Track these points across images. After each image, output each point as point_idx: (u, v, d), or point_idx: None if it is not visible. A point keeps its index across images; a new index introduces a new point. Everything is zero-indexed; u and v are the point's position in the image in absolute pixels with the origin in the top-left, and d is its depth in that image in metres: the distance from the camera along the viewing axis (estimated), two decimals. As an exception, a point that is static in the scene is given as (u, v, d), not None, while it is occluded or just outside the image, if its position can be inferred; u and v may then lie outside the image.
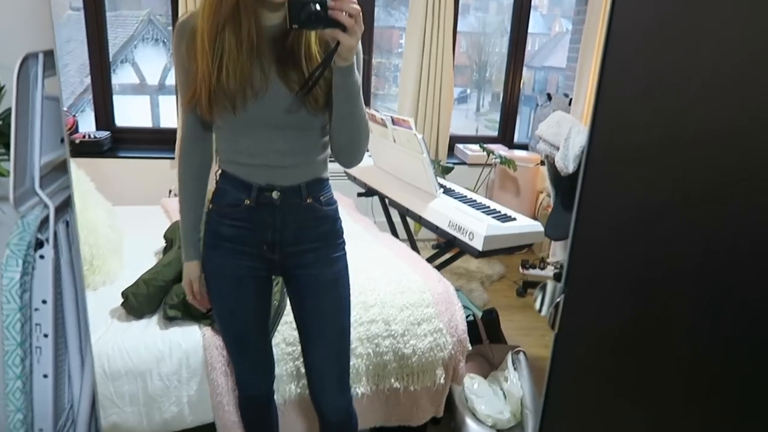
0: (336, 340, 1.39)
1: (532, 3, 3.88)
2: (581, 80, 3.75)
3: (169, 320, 1.72)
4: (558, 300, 0.89)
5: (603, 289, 0.84)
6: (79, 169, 2.11)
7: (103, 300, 1.83)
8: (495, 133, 4.14)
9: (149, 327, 1.71)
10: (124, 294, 1.73)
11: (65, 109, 3.36)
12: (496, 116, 4.18)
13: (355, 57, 1.11)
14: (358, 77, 1.15)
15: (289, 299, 1.44)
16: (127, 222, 2.40)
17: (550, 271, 3.68)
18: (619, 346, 0.82)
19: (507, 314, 3.03)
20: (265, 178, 1.26)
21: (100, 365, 1.59)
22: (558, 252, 3.74)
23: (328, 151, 1.33)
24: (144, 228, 2.41)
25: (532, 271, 3.65)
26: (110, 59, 3.44)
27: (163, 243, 2.21)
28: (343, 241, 1.39)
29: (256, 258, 1.32)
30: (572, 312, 0.89)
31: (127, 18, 4.38)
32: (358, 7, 1.03)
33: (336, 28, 1.04)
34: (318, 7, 1.02)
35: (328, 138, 1.29)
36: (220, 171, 1.32)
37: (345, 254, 1.39)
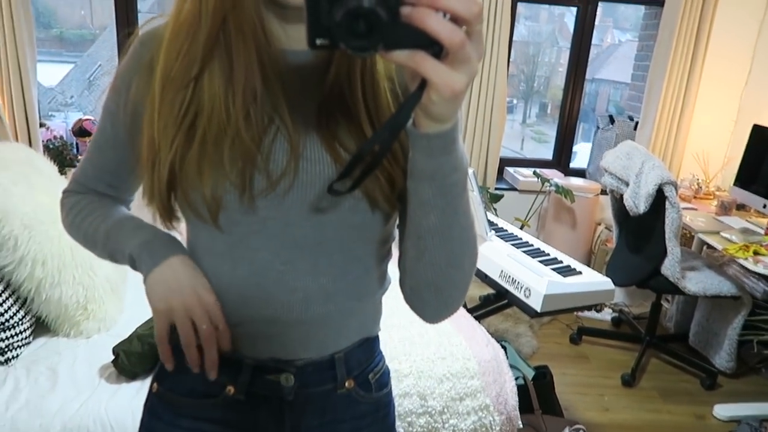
0: None
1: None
2: (650, 102, 3.35)
3: (166, 385, 1.45)
4: None
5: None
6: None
7: (96, 351, 1.58)
8: (540, 145, 3.75)
9: (141, 392, 1.45)
10: (114, 351, 1.48)
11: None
12: (543, 128, 3.83)
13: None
14: (464, 155, 0.56)
15: None
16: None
17: (607, 314, 3.29)
18: None
19: (559, 366, 2.67)
20: (269, 347, 0.70)
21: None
22: (618, 294, 3.35)
23: (388, 282, 0.77)
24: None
25: (587, 314, 3.27)
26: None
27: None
28: None
29: None
30: None
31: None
32: (478, 1, 0.44)
33: (418, 50, 0.45)
34: None
35: (398, 259, 0.68)
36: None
37: None
